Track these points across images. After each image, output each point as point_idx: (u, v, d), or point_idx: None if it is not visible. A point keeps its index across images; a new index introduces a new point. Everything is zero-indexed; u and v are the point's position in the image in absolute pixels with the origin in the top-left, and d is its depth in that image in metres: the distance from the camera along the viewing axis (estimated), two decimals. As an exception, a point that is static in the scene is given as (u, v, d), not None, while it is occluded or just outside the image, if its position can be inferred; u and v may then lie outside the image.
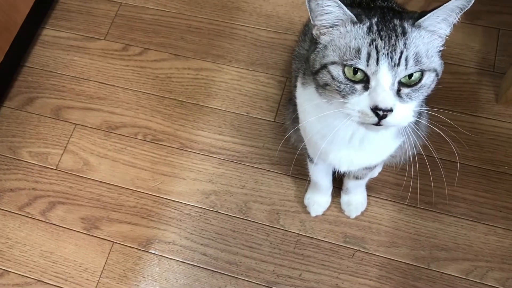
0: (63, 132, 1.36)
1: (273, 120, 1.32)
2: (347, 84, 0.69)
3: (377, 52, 0.66)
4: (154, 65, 1.43)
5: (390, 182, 1.22)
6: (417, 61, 0.68)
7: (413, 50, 0.67)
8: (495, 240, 1.14)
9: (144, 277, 1.18)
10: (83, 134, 1.35)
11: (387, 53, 0.66)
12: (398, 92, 0.68)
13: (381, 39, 0.66)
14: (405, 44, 0.67)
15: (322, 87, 0.73)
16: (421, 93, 0.71)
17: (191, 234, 1.21)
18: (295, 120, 1.07)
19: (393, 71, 0.67)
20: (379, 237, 1.17)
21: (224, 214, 1.23)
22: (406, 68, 0.67)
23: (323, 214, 1.20)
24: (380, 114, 0.67)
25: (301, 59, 0.93)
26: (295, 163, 1.26)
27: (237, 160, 1.28)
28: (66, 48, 1.48)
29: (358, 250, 1.16)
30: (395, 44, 0.66)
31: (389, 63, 0.66)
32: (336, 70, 0.69)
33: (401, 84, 0.68)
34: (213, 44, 1.44)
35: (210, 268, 1.17)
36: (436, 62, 0.71)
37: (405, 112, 0.70)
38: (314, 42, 0.74)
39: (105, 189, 1.28)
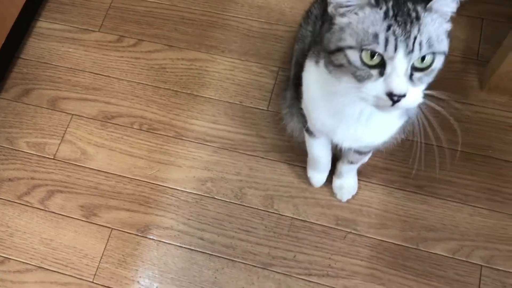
0: (60, 122, 1.38)
1: (266, 109, 1.35)
2: (363, 69, 0.71)
3: (395, 38, 0.68)
4: (149, 56, 1.46)
5: (379, 167, 1.27)
6: (430, 45, 0.70)
7: (426, 35, 0.69)
8: (479, 220, 1.19)
9: (143, 262, 1.21)
10: (80, 124, 1.38)
11: (404, 39, 0.68)
12: (410, 77, 0.71)
13: (398, 25, 0.68)
14: (419, 29, 0.68)
15: (336, 67, 0.75)
16: (431, 76, 0.74)
17: (188, 219, 1.25)
18: (292, 106, 1.11)
19: (408, 57, 0.69)
20: (370, 219, 1.22)
21: (220, 200, 1.26)
22: (419, 53, 0.69)
23: (315, 199, 1.24)
24: (394, 99, 0.70)
25: (304, 40, 0.97)
26: (288, 150, 1.30)
27: (231, 148, 1.32)
28: (61, 40, 1.50)
29: (350, 232, 1.21)
30: (410, 30, 0.68)
31: (404, 50, 0.68)
32: (354, 55, 0.71)
33: (413, 69, 0.71)
34: (206, 35, 1.47)
35: (207, 252, 1.21)
36: (445, 45, 0.73)
37: (417, 95, 0.73)
38: (329, 21, 0.75)
39: (102, 177, 1.31)
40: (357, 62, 0.71)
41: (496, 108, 1.31)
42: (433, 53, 0.71)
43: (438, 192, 1.23)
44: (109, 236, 1.24)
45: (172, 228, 1.24)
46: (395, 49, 0.68)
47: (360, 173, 1.25)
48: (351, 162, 1.15)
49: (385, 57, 0.69)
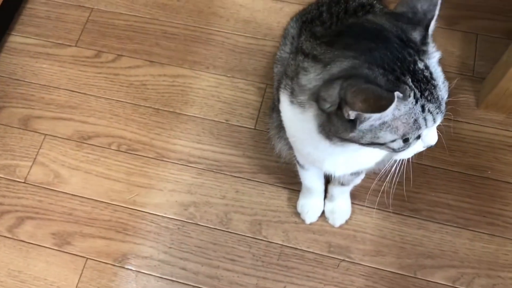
0: (32, 143, 1.29)
1: (253, 127, 1.28)
2: (406, 145, 0.69)
3: (432, 114, 0.65)
4: (128, 72, 1.37)
5: (374, 189, 1.19)
6: (446, 87, 0.68)
7: (442, 83, 0.67)
8: (480, 246, 1.12)
9: (120, 295, 1.12)
10: (54, 145, 1.29)
11: (438, 109, 0.66)
12: None
13: (428, 100, 0.65)
14: (438, 87, 0.66)
15: (359, 143, 0.68)
16: None
17: (170, 248, 1.16)
18: (280, 128, 1.04)
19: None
20: (365, 245, 1.14)
21: (204, 226, 1.18)
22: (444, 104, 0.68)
23: (310, 224, 1.16)
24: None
25: (283, 62, 0.89)
26: (277, 171, 1.22)
27: (216, 169, 1.24)
28: (34, 55, 1.41)
29: (343, 260, 1.13)
30: (437, 96, 0.66)
31: (440, 115, 0.67)
32: (397, 144, 0.68)
33: None
34: (190, 50, 1.40)
35: (190, 283, 1.12)
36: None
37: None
38: (348, 119, 0.64)
39: (77, 202, 1.22)
40: (400, 145, 0.68)
41: (493, 127, 1.25)
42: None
43: (436, 216, 1.16)
44: (84, 267, 1.15)
45: (152, 258, 1.15)
46: (434, 121, 0.67)
47: (354, 196, 1.18)
48: (343, 184, 1.08)
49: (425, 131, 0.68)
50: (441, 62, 1.31)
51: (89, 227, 1.19)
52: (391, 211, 1.17)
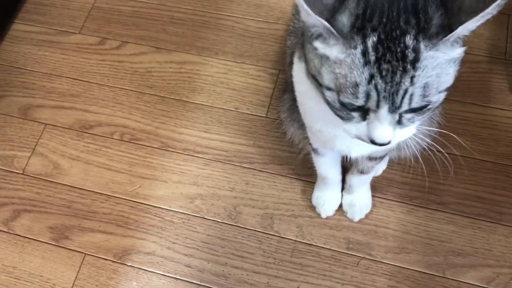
0: (31, 133, 1.22)
1: (265, 115, 1.19)
2: (343, 111, 0.59)
3: (378, 94, 0.54)
4: (133, 59, 1.30)
5: (396, 181, 1.09)
6: (425, 95, 0.55)
7: (423, 82, 0.54)
8: (517, 243, 1.01)
9: (119, 294, 1.03)
10: (54, 134, 1.22)
11: (389, 96, 0.54)
12: (399, 120, 0.59)
13: (381, 76, 0.53)
14: (412, 79, 0.53)
15: (310, 73, 0.61)
16: (426, 114, 0.60)
17: (174, 243, 1.07)
18: (292, 110, 0.95)
19: (395, 113, 0.57)
20: (387, 242, 1.03)
21: (211, 220, 1.09)
22: (409, 107, 0.56)
23: (322, 218, 1.06)
24: (377, 144, 0.59)
25: (297, 33, 0.80)
26: (289, 161, 1.13)
27: (225, 160, 1.15)
28: (37, 43, 1.35)
29: (363, 257, 1.02)
30: (400, 82, 0.53)
31: (390, 107, 0.55)
32: (332, 97, 0.58)
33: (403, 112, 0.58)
34: (198, 36, 1.32)
35: (195, 282, 1.03)
36: (450, 79, 0.56)
37: (406, 133, 0.61)
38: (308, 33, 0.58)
39: (76, 194, 1.14)
40: (336, 104, 0.58)
41: (529, 113, 1.14)
42: (428, 103, 0.56)
43: (466, 210, 1.05)
44: (82, 263, 1.06)
45: (154, 254, 1.06)
46: (377, 106, 0.55)
47: (374, 188, 1.08)
48: (362, 172, 0.97)
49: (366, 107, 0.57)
50: (470, 44, 1.19)
51: (89, 220, 1.11)
52: (416, 204, 1.06)
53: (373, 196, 1.07)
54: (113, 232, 1.09)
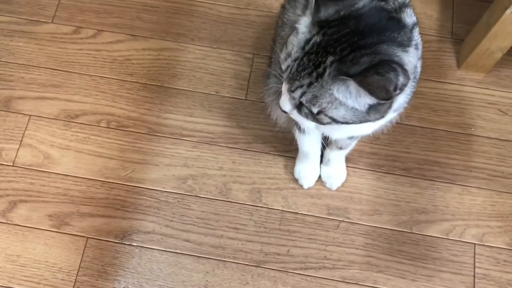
0: (16, 125, 1.24)
1: (244, 98, 1.28)
2: (280, 70, 0.75)
3: (290, 71, 0.70)
4: (111, 47, 1.34)
5: (366, 152, 1.24)
6: (311, 102, 0.70)
7: (314, 92, 0.69)
8: (469, 199, 1.19)
9: (125, 271, 1.12)
10: (40, 125, 1.25)
11: (292, 79, 0.70)
12: (298, 106, 0.74)
13: (299, 64, 0.69)
14: (310, 84, 0.69)
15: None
16: (320, 123, 0.74)
17: (171, 221, 1.16)
18: (277, 93, 1.05)
19: (291, 94, 0.72)
20: (361, 206, 1.18)
21: (204, 197, 1.18)
22: (299, 99, 0.71)
23: (304, 189, 1.19)
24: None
25: (292, 24, 0.90)
26: (271, 139, 1.24)
27: (211, 141, 1.24)
28: (8, 34, 1.35)
29: (342, 220, 1.17)
30: (302, 78, 0.69)
31: (288, 87, 0.71)
32: (282, 57, 0.74)
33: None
34: (172, 22, 1.37)
35: (195, 254, 1.13)
36: (336, 117, 0.71)
37: (303, 119, 0.77)
38: None
39: (71, 182, 1.19)
40: (280, 63, 0.74)
41: (474, 86, 1.31)
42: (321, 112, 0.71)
43: (426, 173, 1.21)
44: (85, 246, 1.13)
45: (154, 232, 1.15)
46: (284, 79, 0.72)
47: (348, 159, 1.21)
48: (340, 148, 1.10)
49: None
50: (422, 25, 1.34)
51: (86, 206, 1.17)
52: (383, 171, 1.21)
53: (346, 166, 1.21)
54: (111, 215, 1.16)
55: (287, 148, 1.22)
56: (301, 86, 0.69)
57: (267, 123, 1.22)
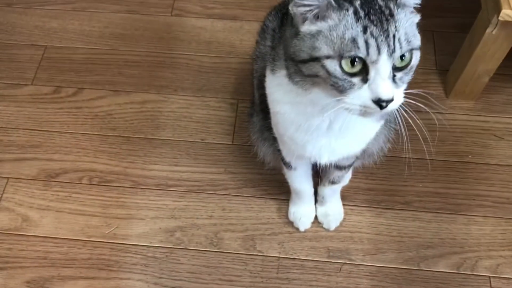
0: (-7, 188, 1.19)
1: (231, 143, 1.24)
2: (345, 79, 0.65)
3: (375, 39, 0.63)
4: (92, 104, 1.31)
5: (362, 188, 1.18)
6: (408, 41, 0.65)
7: (403, 31, 0.64)
8: (476, 229, 1.11)
9: (111, 337, 1.01)
10: (18, 187, 1.19)
11: (384, 39, 0.63)
12: (393, 79, 0.66)
13: (374, 24, 0.63)
14: (395, 27, 0.64)
15: (308, 77, 0.68)
16: (410, 74, 0.69)
17: (160, 278, 1.07)
18: (262, 130, 1.01)
19: (391, 58, 0.64)
20: (363, 245, 1.10)
21: (194, 249, 1.10)
22: (401, 52, 0.64)
23: (301, 232, 1.12)
24: (383, 105, 0.65)
25: (264, 57, 0.88)
26: (262, 183, 1.18)
27: (199, 189, 1.18)
28: (-13, 99, 1.33)
29: (345, 263, 1.08)
30: (388, 28, 0.63)
31: (387, 50, 0.63)
32: (333, 65, 0.64)
33: (394, 69, 0.66)
34: (155, 76, 1.36)
35: (187, 312, 1.03)
36: (419, 38, 0.68)
37: (400, 96, 0.68)
38: (291, 22, 0.68)
39: (51, 244, 1.11)
40: (337, 72, 0.65)
41: (465, 114, 1.28)
42: (411, 50, 0.66)
43: (428, 205, 1.15)
44: (66, 313, 1.04)
45: (142, 291, 1.06)
46: (378, 51, 0.63)
47: (344, 197, 1.15)
48: (333, 182, 1.05)
49: (368, 62, 0.64)
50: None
51: (68, 268, 1.08)
52: (383, 207, 1.15)
53: (343, 205, 1.15)
54: (95, 276, 1.08)
55: (279, 191, 1.16)
56: (394, 36, 0.63)
57: (256, 166, 1.17)
